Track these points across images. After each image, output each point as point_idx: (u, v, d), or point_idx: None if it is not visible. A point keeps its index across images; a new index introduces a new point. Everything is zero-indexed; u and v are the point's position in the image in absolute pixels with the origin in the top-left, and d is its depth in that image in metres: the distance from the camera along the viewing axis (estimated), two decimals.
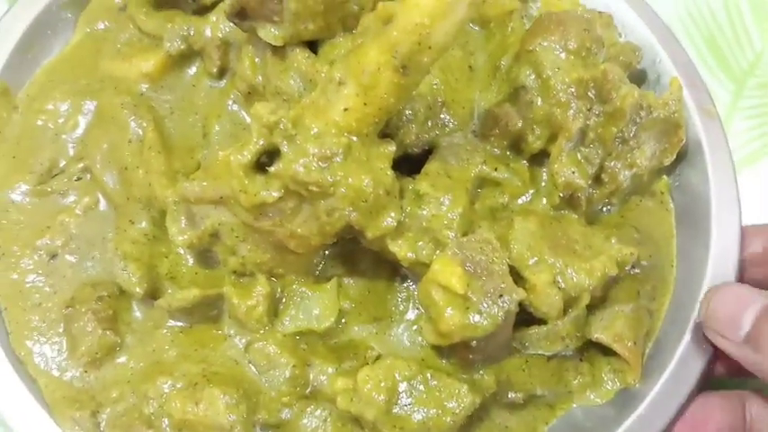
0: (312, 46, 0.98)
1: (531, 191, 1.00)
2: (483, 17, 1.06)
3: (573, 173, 0.96)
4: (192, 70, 1.07)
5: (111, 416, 0.89)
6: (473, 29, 1.07)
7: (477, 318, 0.87)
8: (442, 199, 0.92)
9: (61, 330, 0.94)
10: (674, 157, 1.04)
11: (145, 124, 1.02)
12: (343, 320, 0.96)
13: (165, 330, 0.95)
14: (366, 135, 0.87)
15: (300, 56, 0.96)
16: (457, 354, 0.94)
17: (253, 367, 0.92)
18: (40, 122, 1.05)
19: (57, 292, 0.96)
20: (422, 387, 0.89)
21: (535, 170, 1.01)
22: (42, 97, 1.06)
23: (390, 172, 0.88)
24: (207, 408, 0.87)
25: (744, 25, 1.26)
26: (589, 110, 0.96)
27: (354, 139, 0.86)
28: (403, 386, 0.88)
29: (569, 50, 0.96)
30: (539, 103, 0.96)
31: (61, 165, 1.03)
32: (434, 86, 0.98)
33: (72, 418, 0.89)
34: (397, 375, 0.88)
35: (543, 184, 1.00)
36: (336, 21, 0.95)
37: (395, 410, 0.87)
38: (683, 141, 1.03)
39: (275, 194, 0.85)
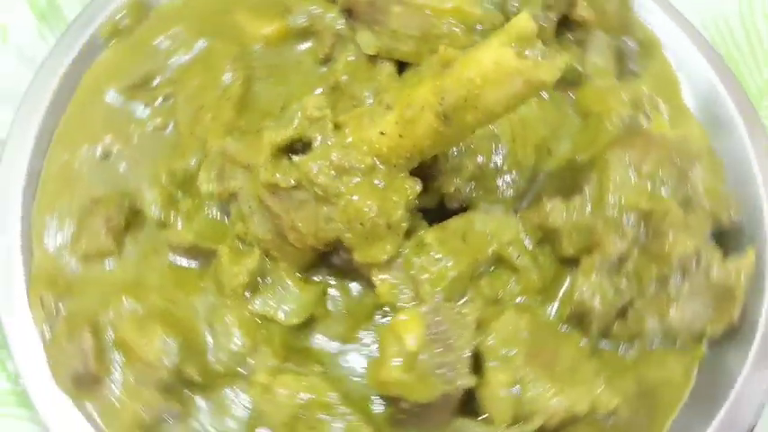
0: (402, 66, 0.99)
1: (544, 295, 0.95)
2: (584, 108, 1.02)
3: (593, 294, 0.91)
4: (303, 47, 1.11)
5: (70, 307, 0.95)
6: (573, 116, 1.03)
7: (415, 382, 0.84)
8: (443, 257, 0.90)
9: (76, 220, 1.00)
10: (721, 332, 0.95)
11: (236, 77, 1.07)
12: (311, 327, 0.96)
13: (159, 259, 0.99)
14: (394, 165, 0.87)
15: (386, 71, 0.97)
16: (393, 408, 0.92)
17: (207, 328, 0.94)
18: (157, 41, 1.12)
19: (91, 187, 1.03)
20: (329, 419, 0.87)
21: (561, 275, 0.96)
22: (171, 21, 1.14)
23: (402, 209, 0.87)
24: (146, 341, 0.90)
25: (761, 43, 1.23)
26: (635, 240, 0.90)
27: (380, 164, 0.86)
28: (316, 410, 0.87)
29: (641, 172, 0.91)
30: (587, 211, 0.92)
31: (154, 82, 1.10)
32: (497, 151, 0.96)
33: (41, 296, 0.95)
34: (314, 396, 0.87)
35: (561, 293, 0.95)
36: (427, 50, 0.95)
37: (298, 426, 0.87)
38: (734, 321, 0.94)
39: (289, 182, 0.87)
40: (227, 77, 1.07)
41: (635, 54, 1.15)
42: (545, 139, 1.00)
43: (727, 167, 1.03)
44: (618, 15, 1.04)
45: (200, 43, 1.12)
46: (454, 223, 0.93)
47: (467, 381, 0.86)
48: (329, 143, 0.87)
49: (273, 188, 0.89)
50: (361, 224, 0.86)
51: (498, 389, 0.86)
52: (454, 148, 0.94)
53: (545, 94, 1.04)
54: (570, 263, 0.95)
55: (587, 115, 1.02)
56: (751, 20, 1.25)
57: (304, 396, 0.87)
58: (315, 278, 0.98)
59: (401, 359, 0.85)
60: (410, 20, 0.93)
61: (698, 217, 0.95)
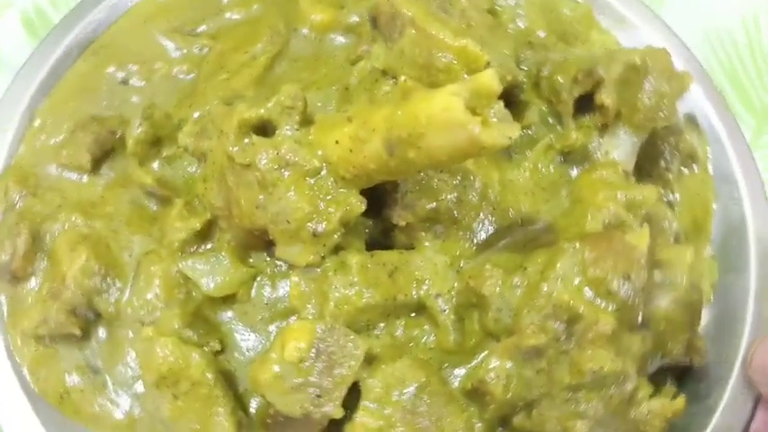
0: None
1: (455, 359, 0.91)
2: (576, 194, 0.97)
3: (497, 377, 0.86)
4: (342, 43, 1.11)
5: (27, 205, 1.00)
6: (565, 198, 0.98)
7: (283, 392, 0.84)
8: (360, 284, 0.88)
9: (70, 129, 1.05)
10: None
11: (267, 51, 1.08)
12: (228, 304, 0.97)
13: (125, 192, 1.02)
14: (342, 178, 0.85)
15: (386, 87, 0.96)
16: (264, 410, 0.91)
17: (134, 269, 0.96)
18: None
19: (97, 105, 1.07)
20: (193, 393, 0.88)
21: (481, 346, 0.91)
22: None
23: (336, 223, 0.86)
24: (70, 256, 0.94)
25: (766, 60, 1.24)
26: (555, 339, 0.85)
27: (327, 172, 0.85)
28: (185, 382, 0.88)
29: (588, 274, 0.85)
30: (518, 293, 0.87)
31: (198, 29, 1.14)
32: (463, 202, 0.92)
33: (8, 185, 1.01)
34: (184, 367, 0.87)
35: (473, 364, 0.91)
36: (427, 78, 0.92)
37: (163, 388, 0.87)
38: None
39: (244, 159, 0.88)
40: (259, 48, 1.09)
41: (674, 158, 1.09)
42: (521, 210, 0.96)
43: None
44: (652, 115, 0.97)
45: (256, 7, 1.15)
46: (387, 256, 0.91)
47: (332, 410, 0.84)
48: (289, 133, 0.87)
49: (230, 161, 0.89)
50: (287, 221, 0.86)
51: (360, 429, 0.84)
52: (417, 185, 0.91)
53: (548, 168, 0.99)
54: (494, 337, 0.90)
55: (576, 201, 0.97)
56: (756, 37, 1.25)
57: (175, 363, 0.87)
58: (251, 260, 0.97)
59: (281, 366, 0.84)
60: (419, 46, 0.91)
61: (642, 342, 0.88)
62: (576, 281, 0.85)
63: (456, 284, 0.92)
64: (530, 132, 1.00)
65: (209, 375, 0.88)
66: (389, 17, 0.94)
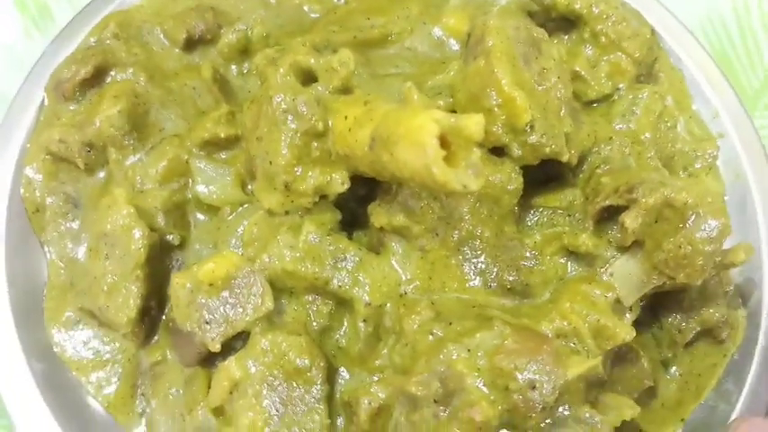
0: None
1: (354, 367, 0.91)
2: (554, 295, 0.92)
3: (368, 405, 0.85)
4: (456, 48, 1.10)
5: (111, 45, 1.08)
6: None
7: (185, 303, 0.88)
8: (301, 251, 0.89)
9: (189, 5, 1.13)
10: None
11: (389, 27, 1.11)
12: (208, 215, 1.01)
13: (198, 77, 1.09)
14: (337, 153, 0.87)
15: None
16: None
17: (154, 141, 1.03)
18: None
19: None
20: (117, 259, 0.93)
21: (382, 368, 0.90)
22: None
23: (311, 187, 0.88)
24: (111, 102, 1.01)
25: (756, 44, 1.25)
26: (434, 401, 0.82)
27: (324, 138, 0.88)
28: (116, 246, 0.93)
29: (493, 360, 0.81)
30: (430, 339, 0.85)
31: None
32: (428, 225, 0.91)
33: (107, 25, 1.10)
34: (121, 236, 0.93)
35: (364, 380, 0.90)
36: (471, 109, 0.91)
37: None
38: None
39: (266, 90, 0.91)
40: (380, 21, 1.12)
41: (689, 324, 1.01)
42: (492, 273, 0.93)
43: None
44: (676, 264, 0.88)
45: None
46: (344, 243, 0.91)
47: (210, 342, 0.86)
48: (319, 90, 0.89)
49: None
50: (269, 162, 0.88)
51: (218, 384, 0.86)
52: (408, 198, 0.90)
53: (547, 255, 0.95)
54: (394, 369, 0.89)
55: (551, 300, 0.92)
56: (746, 20, 1.25)
57: (118, 229, 0.93)
58: (248, 189, 1.00)
59: (192, 280, 0.88)
60: (480, 76, 0.88)
61: None
62: (481, 360, 0.81)
63: (389, 305, 0.90)
64: (553, 213, 0.95)
65: (142, 252, 0.92)
66: (477, 39, 0.93)
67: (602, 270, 0.93)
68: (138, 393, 0.96)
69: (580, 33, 1.09)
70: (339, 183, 0.88)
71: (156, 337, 0.97)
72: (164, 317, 0.98)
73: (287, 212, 0.91)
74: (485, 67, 0.89)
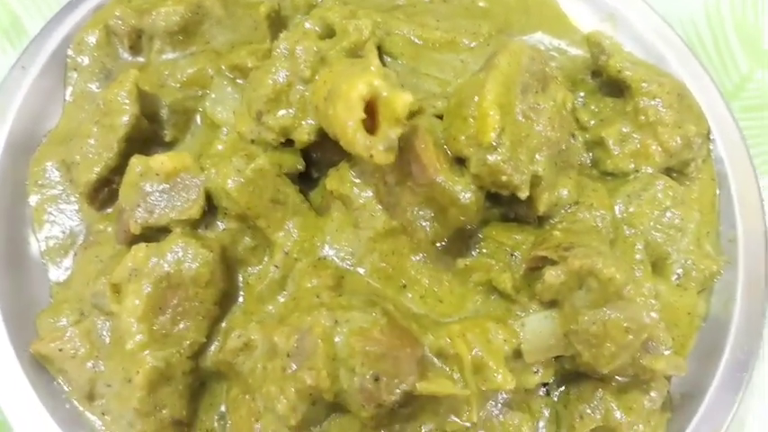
0: None
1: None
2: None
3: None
4: None
5: None
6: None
7: (131, 184, 0.94)
8: (245, 177, 0.92)
9: None
10: None
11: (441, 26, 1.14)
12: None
13: None
14: (315, 106, 0.90)
15: None
16: None
17: None
18: None
19: None
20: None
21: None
22: None
23: (277, 125, 0.93)
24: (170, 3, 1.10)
25: (729, 48, 1.26)
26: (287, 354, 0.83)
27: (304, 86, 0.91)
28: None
29: (353, 339, 0.81)
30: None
31: None
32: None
33: None
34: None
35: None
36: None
37: None
38: None
39: (284, 36, 0.96)
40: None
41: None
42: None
43: None
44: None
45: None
46: (289, 190, 0.95)
47: (133, 226, 0.92)
48: (328, 45, 0.93)
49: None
50: (254, 89, 0.94)
51: (123, 263, 0.91)
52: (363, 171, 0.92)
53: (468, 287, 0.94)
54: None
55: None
56: (719, 23, 1.26)
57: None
58: None
59: (146, 165, 0.94)
60: (471, 89, 0.90)
61: None
62: (341, 335, 0.82)
63: (304, 262, 0.92)
64: (497, 248, 0.94)
65: (125, 129, 0.99)
66: (493, 54, 0.93)
67: (516, 318, 0.90)
68: (72, 252, 1.03)
69: (624, 104, 1.07)
70: (305, 132, 0.91)
71: (110, 210, 1.03)
72: None
73: (253, 141, 0.95)
74: (481, 79, 0.89)
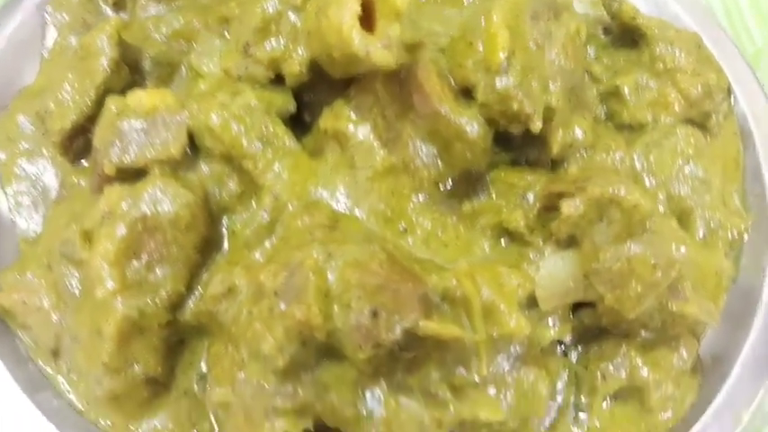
0: None
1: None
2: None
3: None
4: None
5: None
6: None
7: (108, 124, 0.86)
8: (230, 110, 0.84)
9: None
10: None
11: None
12: None
13: None
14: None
15: None
16: None
17: None
18: None
19: None
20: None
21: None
22: None
23: (266, 58, 0.86)
24: None
25: (743, 21, 1.23)
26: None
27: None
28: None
29: (349, 272, 0.72)
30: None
31: None
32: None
33: None
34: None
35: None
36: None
37: None
38: None
39: None
40: None
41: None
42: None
43: None
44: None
45: None
46: (278, 130, 0.86)
47: (106, 165, 0.84)
48: None
49: None
50: (240, 21, 0.88)
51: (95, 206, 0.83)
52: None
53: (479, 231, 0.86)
54: None
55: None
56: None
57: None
58: None
59: (125, 104, 0.86)
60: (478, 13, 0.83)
61: None
62: (335, 269, 0.72)
63: (294, 204, 0.84)
64: (507, 189, 0.86)
65: (101, 75, 0.91)
66: None
67: (530, 262, 0.81)
68: (44, 208, 0.95)
69: (639, 53, 0.99)
70: (297, 63, 0.84)
71: (85, 164, 0.95)
72: None
73: (240, 78, 0.87)
74: (488, 5, 0.83)
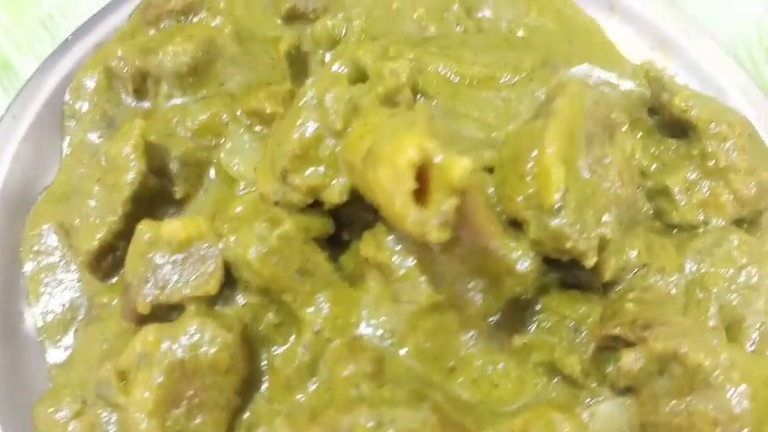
0: None
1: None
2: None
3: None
4: None
5: None
6: None
7: (140, 254, 0.83)
8: (268, 244, 0.80)
9: None
10: None
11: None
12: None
13: None
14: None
15: None
16: None
17: None
18: None
19: None
20: None
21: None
22: None
23: (305, 184, 0.81)
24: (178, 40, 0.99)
25: None
26: None
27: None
28: None
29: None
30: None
31: None
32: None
33: None
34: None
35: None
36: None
37: None
38: None
39: None
40: None
41: None
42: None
43: None
44: None
45: None
46: (318, 258, 0.83)
47: (140, 303, 0.81)
48: (360, 92, 0.82)
49: None
50: (278, 144, 0.82)
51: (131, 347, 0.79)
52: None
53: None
54: None
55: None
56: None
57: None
58: None
59: (156, 233, 0.83)
60: (528, 140, 0.79)
61: None
62: None
63: (337, 342, 0.80)
64: (558, 321, 0.82)
65: (130, 189, 0.88)
66: (549, 99, 0.82)
67: (584, 406, 0.78)
68: (73, 328, 0.92)
69: (689, 148, 0.95)
70: (336, 191, 0.80)
71: (115, 280, 0.92)
72: None
73: (276, 203, 0.83)
74: (539, 128, 0.78)
